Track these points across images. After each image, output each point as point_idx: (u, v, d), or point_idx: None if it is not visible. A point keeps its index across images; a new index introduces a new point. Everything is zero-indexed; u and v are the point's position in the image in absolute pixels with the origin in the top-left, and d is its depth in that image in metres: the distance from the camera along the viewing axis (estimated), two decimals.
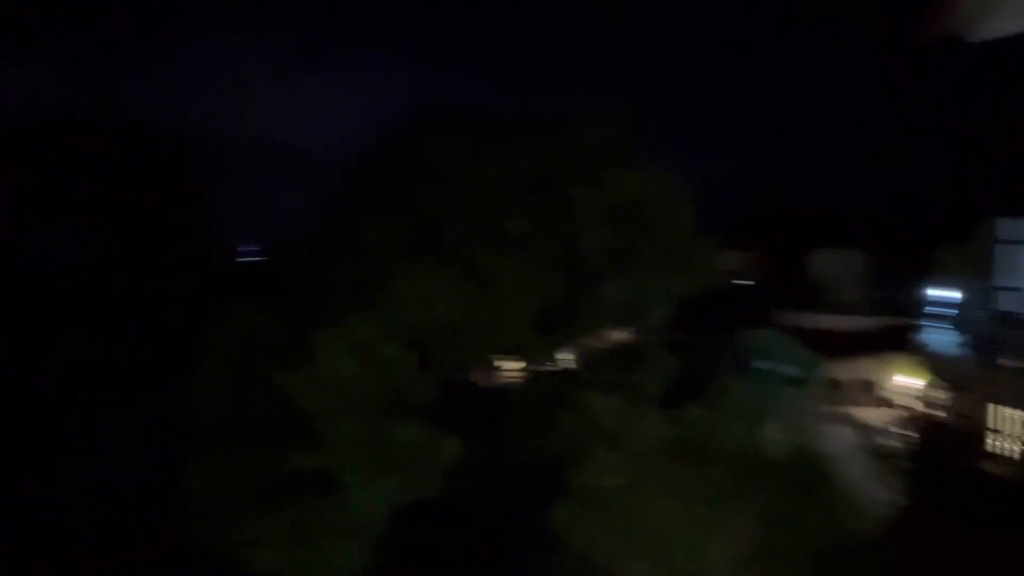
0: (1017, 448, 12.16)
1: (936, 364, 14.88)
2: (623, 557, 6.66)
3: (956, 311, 15.99)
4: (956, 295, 16.06)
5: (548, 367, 11.19)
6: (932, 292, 17.32)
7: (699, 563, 6.54)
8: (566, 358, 11.29)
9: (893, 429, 13.57)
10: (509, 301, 8.80)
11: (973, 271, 15.19)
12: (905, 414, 14.39)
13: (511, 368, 11.35)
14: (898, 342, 16.46)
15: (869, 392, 15.98)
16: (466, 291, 8.75)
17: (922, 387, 14.99)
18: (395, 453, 7.64)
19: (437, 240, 9.69)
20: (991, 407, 12.58)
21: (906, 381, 15.64)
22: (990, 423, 12.59)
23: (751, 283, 21.32)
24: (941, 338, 15.76)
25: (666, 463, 7.46)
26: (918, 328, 16.86)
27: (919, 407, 14.57)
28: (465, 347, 9.37)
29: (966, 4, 3.16)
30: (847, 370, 15.58)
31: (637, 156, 9.90)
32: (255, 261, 23.30)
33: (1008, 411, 12.33)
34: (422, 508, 7.47)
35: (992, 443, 12.56)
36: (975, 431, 12.73)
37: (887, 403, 15.53)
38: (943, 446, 12.44)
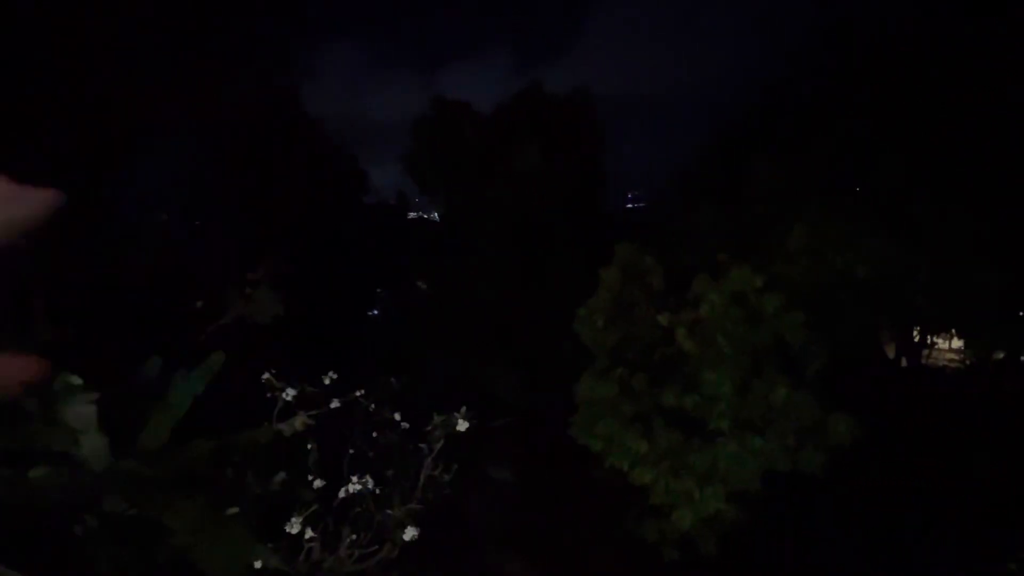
0: None
1: None
2: None
3: None
4: None
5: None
6: None
7: None
8: None
9: None
10: (954, 262, 6.60)
11: None
12: None
13: (948, 350, 8.68)
14: None
15: None
16: (887, 242, 7.05)
17: None
18: (769, 413, 7.13)
19: (845, 183, 8.07)
20: None
21: None
22: None
23: None
24: None
25: None
26: None
27: None
28: (873, 313, 7.68)
29: None
30: None
31: None
32: (638, 208, 25.67)
33: None
34: (804, 481, 6.80)
35: None
36: None
37: None
38: None
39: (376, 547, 4.45)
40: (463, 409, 4.91)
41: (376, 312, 21.27)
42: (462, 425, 4.55)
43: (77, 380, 3.91)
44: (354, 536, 4.19)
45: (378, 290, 21.67)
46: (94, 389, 4.08)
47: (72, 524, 4.12)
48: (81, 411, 3.87)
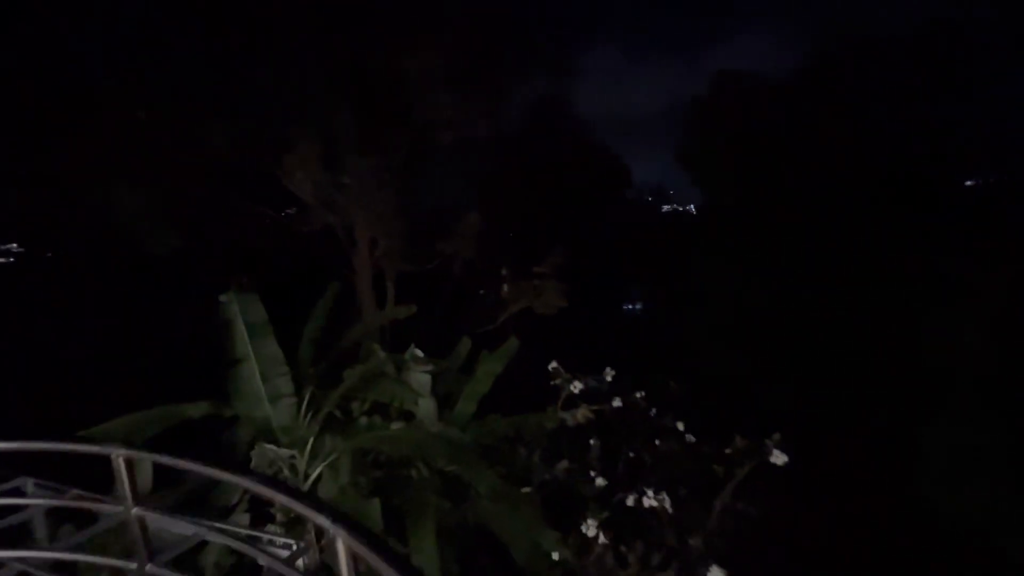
0: None
1: None
2: None
3: None
4: None
5: None
6: None
7: None
8: None
9: None
10: None
11: None
12: None
13: None
14: None
15: None
16: None
17: None
18: None
19: None
20: None
21: None
22: None
23: None
24: None
25: None
26: None
27: None
28: None
29: None
30: None
31: None
32: (995, 187, 18.55)
33: None
34: None
35: None
36: None
37: None
38: None
39: (666, 569, 4.01)
40: (776, 436, 4.04)
41: (634, 307, 20.89)
42: (778, 457, 3.69)
43: (419, 353, 4.73)
44: (644, 553, 3.84)
45: (635, 287, 21.30)
46: (429, 361, 4.86)
47: (411, 470, 4.99)
48: (421, 379, 4.65)
